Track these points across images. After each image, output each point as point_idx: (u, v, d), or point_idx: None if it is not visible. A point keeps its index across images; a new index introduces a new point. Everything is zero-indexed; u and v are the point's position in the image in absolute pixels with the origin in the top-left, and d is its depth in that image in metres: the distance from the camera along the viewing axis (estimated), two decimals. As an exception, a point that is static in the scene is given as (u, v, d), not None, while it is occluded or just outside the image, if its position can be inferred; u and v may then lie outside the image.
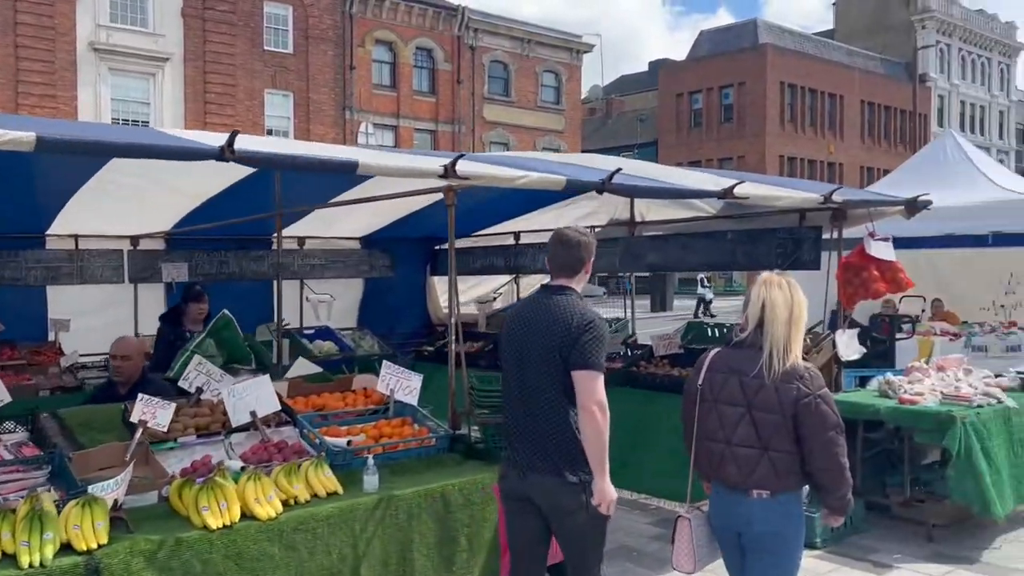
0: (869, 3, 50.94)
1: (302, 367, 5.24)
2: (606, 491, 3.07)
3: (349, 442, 3.80)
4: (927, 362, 10.83)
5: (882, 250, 5.87)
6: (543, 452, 3.13)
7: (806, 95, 42.87)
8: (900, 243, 13.09)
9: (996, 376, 6.22)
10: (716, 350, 3.24)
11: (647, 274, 36.13)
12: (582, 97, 59.84)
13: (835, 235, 6.03)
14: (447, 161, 3.35)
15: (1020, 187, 10.32)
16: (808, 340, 6.08)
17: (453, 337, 4.17)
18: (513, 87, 34.60)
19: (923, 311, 12.35)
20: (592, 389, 3.05)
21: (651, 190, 4.28)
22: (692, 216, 7.07)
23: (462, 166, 3.35)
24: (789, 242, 6.28)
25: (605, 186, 3.87)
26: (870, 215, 5.94)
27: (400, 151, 7.86)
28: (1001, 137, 54.66)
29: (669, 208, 7.22)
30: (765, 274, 3.15)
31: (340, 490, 3.51)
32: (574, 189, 3.77)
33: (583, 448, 3.07)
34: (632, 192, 4.25)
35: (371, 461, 3.58)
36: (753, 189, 4.57)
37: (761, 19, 46.52)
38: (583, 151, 40.20)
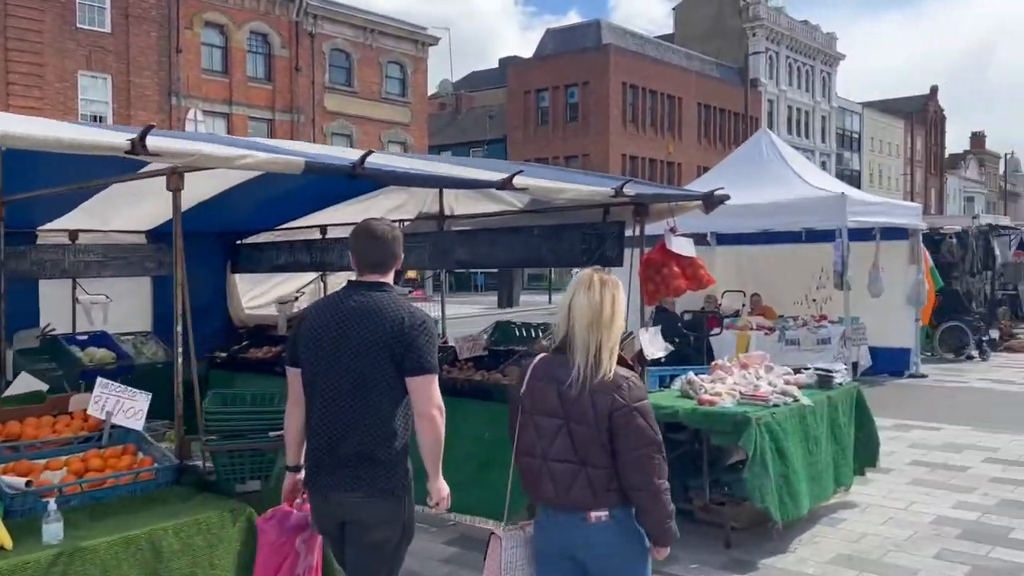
0: (706, 9, 53.21)
1: (24, 384, 4.42)
2: (442, 488, 3.04)
3: (29, 482, 3.09)
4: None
5: (683, 246, 5.68)
6: (357, 466, 2.93)
7: (647, 96, 44.18)
8: (723, 240, 13.61)
9: (796, 372, 6.21)
10: (540, 356, 2.91)
11: (494, 269, 36.06)
12: (432, 92, 59.41)
13: (638, 231, 5.80)
14: (134, 135, 2.72)
15: (829, 185, 10.68)
16: (611, 340, 5.82)
17: (180, 348, 3.53)
18: (356, 77, 33.53)
19: (744, 306, 12.68)
20: (431, 394, 2.93)
21: (407, 176, 3.80)
22: (500, 210, 6.69)
23: (155, 142, 2.74)
24: (593, 238, 5.99)
25: (356, 170, 3.36)
26: (671, 210, 5.73)
27: (108, 127, 6.85)
28: (823, 140, 58.58)
29: (479, 202, 6.82)
30: (582, 273, 2.83)
31: (8, 544, 2.82)
32: (317, 172, 3.22)
33: (402, 459, 2.97)
34: (386, 177, 3.75)
35: (52, 506, 2.89)
36: (532, 181, 4.19)
37: (604, 20, 47.51)
38: (432, 147, 39.66)
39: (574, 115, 43.33)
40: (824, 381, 5.96)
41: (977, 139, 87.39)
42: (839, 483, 5.85)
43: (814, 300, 12.27)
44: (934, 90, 74.43)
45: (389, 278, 3.12)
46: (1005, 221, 25.22)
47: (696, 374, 6.19)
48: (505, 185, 4.01)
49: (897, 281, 11.59)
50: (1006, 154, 78.73)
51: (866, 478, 6.39)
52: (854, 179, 60.15)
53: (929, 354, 13.42)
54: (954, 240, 15.42)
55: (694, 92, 46.71)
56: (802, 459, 5.33)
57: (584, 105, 42.78)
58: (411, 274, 28.79)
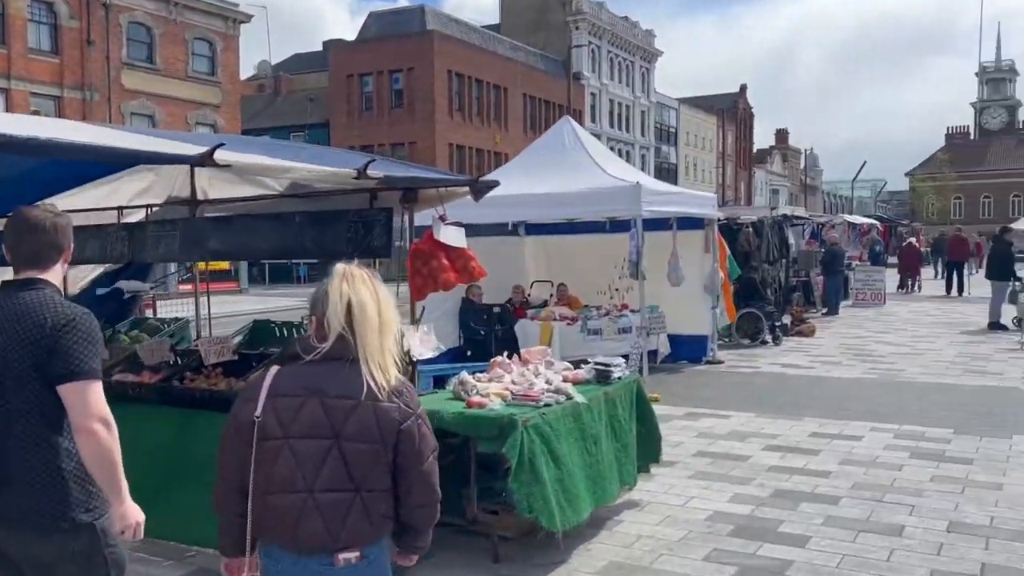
0: (531, 1, 53.73)
1: None
2: (128, 515, 2.62)
3: None
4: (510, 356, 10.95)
5: (452, 236, 5.22)
6: (20, 497, 2.54)
7: (473, 85, 43.99)
8: (532, 230, 13.42)
9: (576, 368, 5.93)
10: (277, 368, 2.43)
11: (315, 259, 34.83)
12: (251, 73, 56.44)
13: (405, 219, 5.28)
14: None
15: (626, 175, 10.64)
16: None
17: None
18: (158, 54, 31.05)
19: (551, 296, 12.54)
20: (87, 402, 2.51)
21: (39, 145, 3.05)
22: (259, 195, 5.97)
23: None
24: (359, 226, 5.40)
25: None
26: (440, 197, 5.25)
27: None
28: (643, 134, 60.92)
29: (236, 185, 6.05)
30: (342, 266, 2.46)
31: None
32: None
33: (77, 483, 2.57)
34: (21, 147, 2.99)
35: None
36: (238, 157, 3.56)
37: (429, 7, 46.85)
38: (248, 130, 37.51)
39: (399, 101, 42.43)
40: (602, 376, 5.69)
41: (781, 135, 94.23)
42: (624, 482, 5.62)
43: (616, 290, 12.30)
44: (743, 88, 79.35)
45: (50, 274, 2.71)
46: (801, 212, 26.92)
47: (475, 372, 5.78)
48: (204, 161, 3.34)
49: (694, 270, 11.79)
50: (806, 150, 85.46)
51: (651, 474, 6.23)
52: (671, 172, 63.07)
53: (727, 340, 13.86)
54: (750, 230, 16.07)
55: (520, 83, 47.05)
56: (580, 461, 5.01)
57: (409, 92, 41.98)
58: (223, 265, 26.91)
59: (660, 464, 6.29)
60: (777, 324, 14.72)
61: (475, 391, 5.14)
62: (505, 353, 5.95)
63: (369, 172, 4.20)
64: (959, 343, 14.05)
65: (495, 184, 5.15)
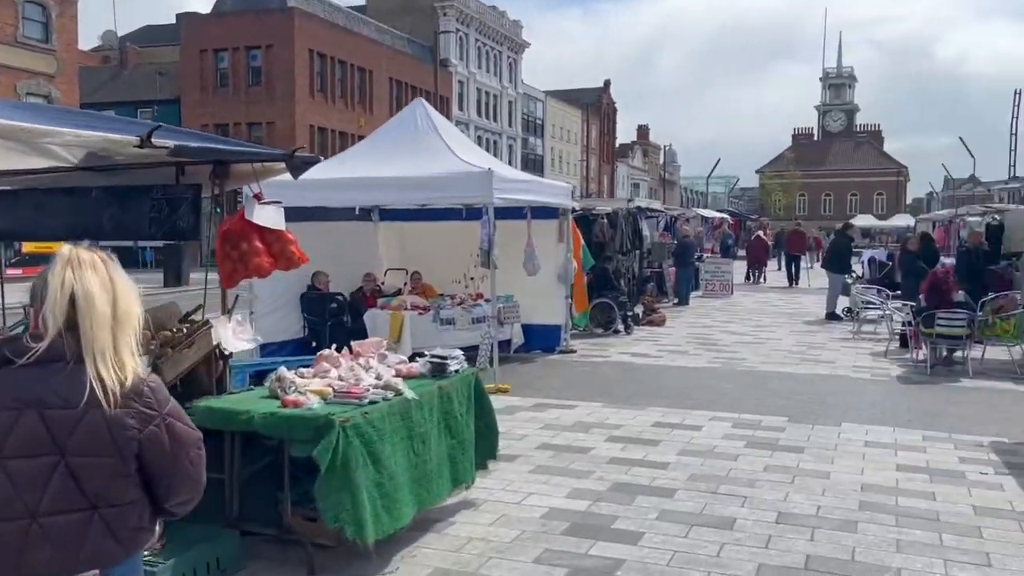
0: (398, -16, 52.66)
1: None
2: None
3: None
4: (398, 341, 10.53)
5: (268, 217, 4.75)
6: None
7: (336, 66, 42.64)
8: (386, 215, 12.95)
9: (411, 360, 5.59)
10: None
11: (160, 242, 32.55)
12: (96, 44, 52.53)
13: (216, 195, 4.76)
14: None
15: (479, 160, 10.36)
16: (179, 330, 4.73)
17: None
18: (-19, 15, 28.17)
19: (405, 284, 12.14)
20: None
21: None
22: (49, 167, 5.26)
23: None
24: (164, 204, 4.85)
25: None
26: (255, 173, 4.76)
27: None
28: (511, 125, 61.11)
29: (23, 155, 5.30)
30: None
31: None
32: None
33: None
34: None
35: None
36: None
37: (290, -18, 44.96)
38: (89, 104, 34.79)
39: (257, 80, 40.51)
40: (438, 369, 5.38)
41: (642, 131, 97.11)
42: (458, 481, 5.33)
43: (472, 279, 12.05)
44: (607, 84, 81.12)
45: None
46: (657, 205, 27.64)
47: (299, 367, 5.34)
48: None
49: (549, 259, 11.70)
50: (665, 146, 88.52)
51: (489, 470, 5.98)
52: (538, 163, 63.66)
53: (582, 328, 13.89)
54: (605, 221, 16.23)
55: (385, 66, 46.04)
56: (405, 462, 4.67)
57: (268, 70, 40.15)
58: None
59: (499, 460, 6.07)
60: (629, 314, 14.92)
61: (293, 388, 4.70)
62: (334, 346, 5.53)
63: (155, 141, 3.66)
64: (798, 332, 14.69)
65: (314, 160, 4.72)
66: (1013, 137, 48.17)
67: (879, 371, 10.80)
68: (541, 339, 12.10)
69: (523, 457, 6.61)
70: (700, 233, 33.58)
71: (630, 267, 17.58)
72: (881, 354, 12.13)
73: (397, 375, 5.20)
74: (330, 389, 4.72)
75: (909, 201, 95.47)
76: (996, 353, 11.42)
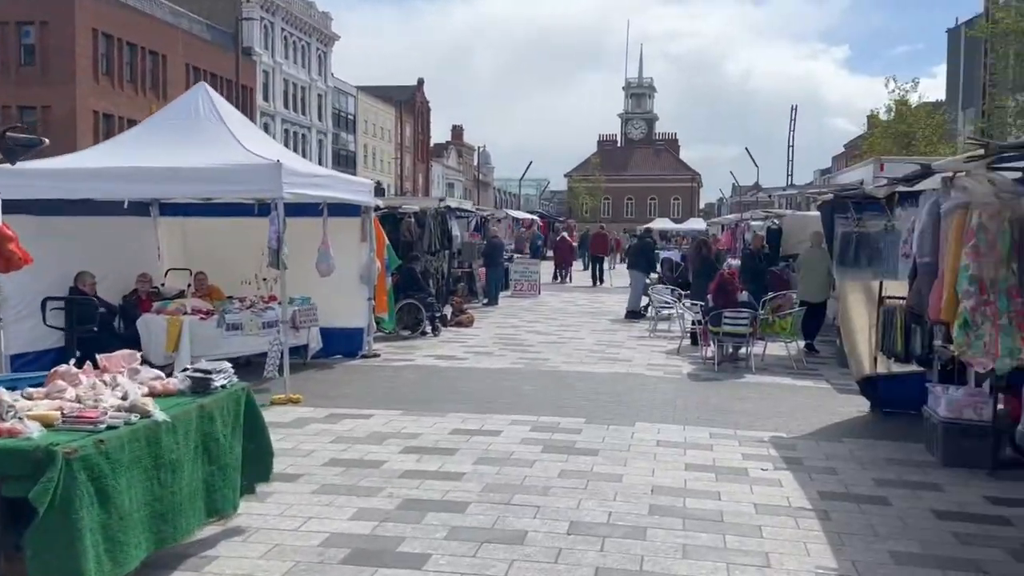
0: (197, -35, 49.44)
1: None
2: None
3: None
4: (176, 350, 9.56)
5: (-24, 208, 3.96)
6: None
7: (125, 48, 39.37)
8: (167, 210, 11.83)
9: (169, 377, 4.93)
10: None
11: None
12: None
13: None
14: None
15: (268, 151, 9.63)
16: None
17: None
18: None
19: (189, 286, 11.13)
20: None
21: None
22: None
23: None
24: None
25: None
26: (-41, 155, 3.95)
27: None
28: (320, 119, 59.27)
29: None
30: None
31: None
32: None
33: None
34: None
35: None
36: None
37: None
38: None
39: (30, 59, 36.56)
40: (200, 385, 4.76)
41: (457, 132, 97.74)
42: (215, 511, 4.72)
43: (264, 279, 11.23)
44: (421, 82, 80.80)
45: None
46: (468, 205, 27.68)
47: (28, 387, 4.54)
48: None
49: (351, 259, 11.16)
50: (479, 147, 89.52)
51: (268, 492, 5.44)
52: (350, 159, 62.24)
53: (388, 331, 13.44)
54: (412, 220, 15.86)
55: (182, 51, 43.08)
56: (144, 495, 4.03)
57: (44, 49, 36.30)
58: None
59: (279, 481, 5.54)
60: (438, 315, 14.64)
61: (12, 413, 3.94)
62: (73, 361, 4.76)
63: None
64: (599, 331, 15.05)
65: (34, 143, 3.97)
66: (791, 149, 52.81)
67: (672, 368, 11.17)
68: (342, 343, 11.52)
69: (307, 476, 6.08)
70: (525, 233, 34.17)
71: (439, 267, 17.31)
72: (674, 352, 12.61)
73: (150, 393, 4.55)
74: (58, 413, 4.00)
75: (702, 206, 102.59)
76: (775, 349, 12.19)
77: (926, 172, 5.02)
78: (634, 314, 17.08)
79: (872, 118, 38.33)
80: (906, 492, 5.93)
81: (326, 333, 11.23)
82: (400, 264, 13.92)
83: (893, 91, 34.72)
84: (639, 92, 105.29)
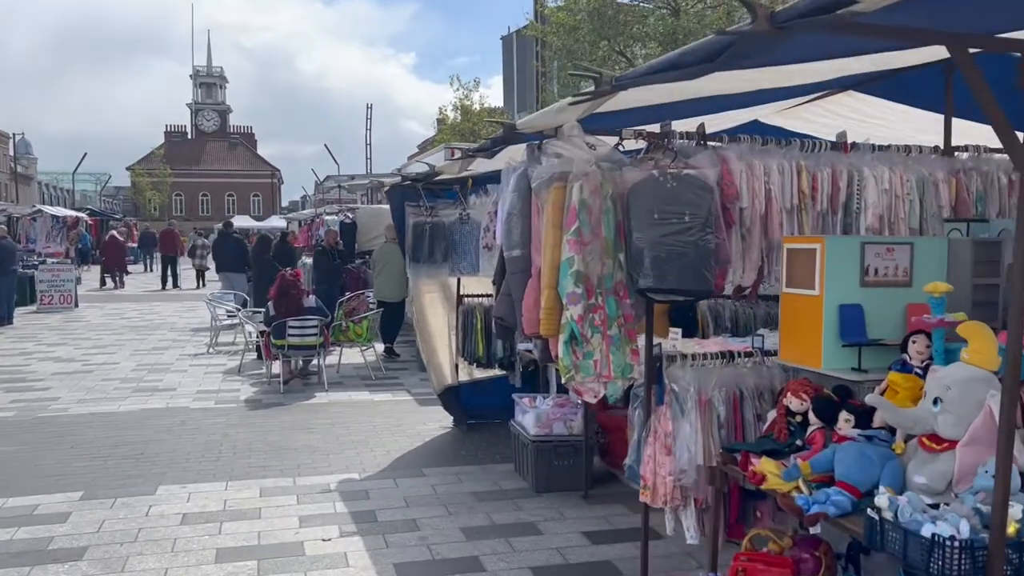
0: None
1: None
2: None
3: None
4: None
5: None
6: None
7: None
8: None
9: None
10: None
11: None
12: None
13: None
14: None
15: None
16: None
17: None
18: None
19: None
20: None
21: None
22: None
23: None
24: None
25: None
26: None
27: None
28: None
29: None
30: None
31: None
32: None
33: None
34: None
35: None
36: None
37: None
38: None
39: None
40: None
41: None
42: None
43: None
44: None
45: None
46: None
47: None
48: None
49: None
50: (15, 135, 75.75)
51: None
52: None
53: None
54: None
55: None
56: None
57: None
58: None
59: None
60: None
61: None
62: None
63: None
64: (143, 351, 12.23)
65: None
66: (368, 147, 53.05)
67: (227, 395, 9.08)
68: None
69: None
70: (71, 234, 28.41)
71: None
72: (235, 370, 10.52)
73: None
74: None
75: (285, 204, 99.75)
76: (353, 356, 10.78)
77: (509, 135, 3.75)
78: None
79: (441, 120, 39.69)
80: (500, 544, 4.74)
81: None
82: None
83: (458, 90, 36.21)
84: (209, 82, 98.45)
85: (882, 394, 2.90)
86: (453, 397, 7.62)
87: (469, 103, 35.41)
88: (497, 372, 7.56)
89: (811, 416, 3.07)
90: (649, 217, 3.36)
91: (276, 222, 53.55)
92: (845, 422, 2.92)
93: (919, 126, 5.08)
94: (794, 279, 3.33)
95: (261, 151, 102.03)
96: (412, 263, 7.37)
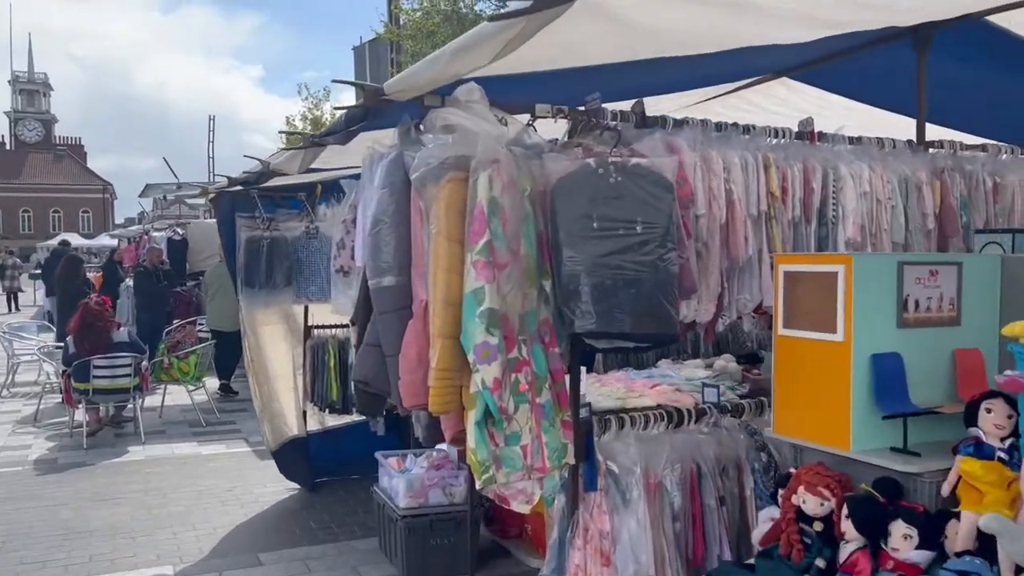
0: None
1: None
2: None
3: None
4: None
5: None
6: None
7: None
8: None
9: None
10: None
11: None
12: None
13: None
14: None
15: None
16: None
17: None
18: None
19: None
20: None
21: None
22: None
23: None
24: None
25: None
26: None
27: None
28: None
29: None
30: None
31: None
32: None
33: None
34: None
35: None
36: None
37: None
38: None
39: None
40: None
41: None
42: None
43: None
44: None
45: None
46: None
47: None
48: None
49: None
50: None
51: None
52: None
53: None
54: None
55: None
56: None
57: None
58: None
59: None
60: None
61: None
62: None
63: None
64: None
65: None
66: (211, 160, 49.89)
67: (14, 454, 7.28)
68: None
69: None
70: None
71: None
72: (30, 419, 8.63)
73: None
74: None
75: (121, 220, 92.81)
76: (181, 396, 9.11)
77: (374, 105, 2.48)
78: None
79: (288, 134, 37.53)
80: (364, 673, 3.49)
81: None
82: None
83: (307, 98, 34.31)
84: (31, 88, 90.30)
85: (952, 491, 1.91)
86: (299, 452, 6.24)
87: (319, 113, 33.52)
88: (355, 418, 6.28)
89: (846, 526, 2.04)
90: (585, 227, 2.26)
91: (106, 240, 49.20)
92: (904, 539, 1.90)
93: (861, 123, 4.30)
94: (797, 316, 2.31)
95: (92, 164, 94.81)
96: (246, 288, 5.95)
